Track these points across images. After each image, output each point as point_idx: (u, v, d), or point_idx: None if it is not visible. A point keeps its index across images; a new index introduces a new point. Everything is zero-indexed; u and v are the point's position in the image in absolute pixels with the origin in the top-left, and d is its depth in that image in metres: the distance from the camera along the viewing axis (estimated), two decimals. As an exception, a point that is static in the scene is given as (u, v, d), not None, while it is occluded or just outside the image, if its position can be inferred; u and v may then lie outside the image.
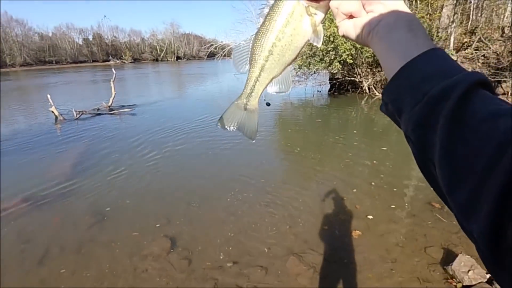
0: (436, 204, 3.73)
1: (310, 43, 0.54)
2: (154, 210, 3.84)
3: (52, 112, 9.25)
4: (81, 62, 74.80)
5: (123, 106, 10.82)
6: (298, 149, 6.19)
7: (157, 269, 2.81)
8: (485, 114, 0.32)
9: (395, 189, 4.21)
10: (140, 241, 3.22)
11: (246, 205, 3.90)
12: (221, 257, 2.94)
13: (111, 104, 10.53)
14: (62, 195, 4.30)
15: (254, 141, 0.63)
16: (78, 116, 9.33)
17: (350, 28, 0.48)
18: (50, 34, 78.14)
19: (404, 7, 0.44)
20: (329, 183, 4.47)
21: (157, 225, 3.49)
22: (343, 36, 0.50)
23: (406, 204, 3.85)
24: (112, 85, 10.81)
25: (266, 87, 0.59)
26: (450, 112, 0.33)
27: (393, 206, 3.79)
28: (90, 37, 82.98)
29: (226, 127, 0.63)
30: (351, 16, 0.48)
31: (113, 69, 12.57)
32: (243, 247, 3.09)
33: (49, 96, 9.38)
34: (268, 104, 0.61)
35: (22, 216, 3.82)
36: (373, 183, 4.41)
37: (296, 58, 0.56)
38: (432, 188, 0.38)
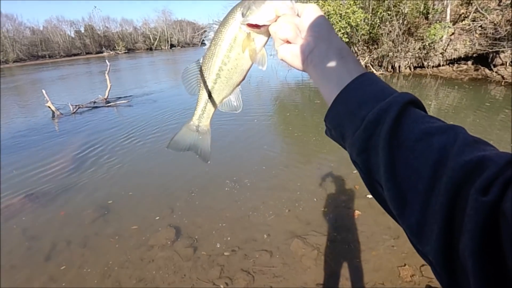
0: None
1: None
2: (156, 201, 3.87)
3: (49, 107, 9.16)
4: (74, 55, 73.51)
5: (119, 98, 10.72)
6: (298, 132, 6.17)
7: (164, 258, 2.86)
8: (419, 133, 0.34)
9: (395, 168, 4.21)
10: (145, 232, 3.26)
11: (248, 191, 3.93)
12: (226, 243, 2.99)
13: (107, 96, 10.43)
14: (64, 190, 4.33)
15: (208, 163, 0.64)
16: (75, 110, 9.28)
17: (287, 53, 0.50)
18: (41, 28, 76.53)
19: (335, 36, 0.48)
20: (329, 165, 4.48)
21: (161, 215, 3.53)
22: (281, 60, 0.52)
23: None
24: (107, 77, 10.68)
25: (217, 108, 0.61)
26: (387, 135, 0.35)
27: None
28: (82, 29, 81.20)
29: (177, 149, 0.64)
30: (288, 42, 0.50)
31: (107, 61, 12.37)
32: (246, 232, 3.13)
33: (44, 91, 9.27)
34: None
35: (26, 213, 3.86)
36: (373, 163, 4.40)
37: (244, 78, 0.59)
38: (386, 212, 0.39)
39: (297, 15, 0.49)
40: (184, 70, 0.61)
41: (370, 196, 3.60)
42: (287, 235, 3.05)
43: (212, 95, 0.59)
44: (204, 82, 0.58)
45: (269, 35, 0.53)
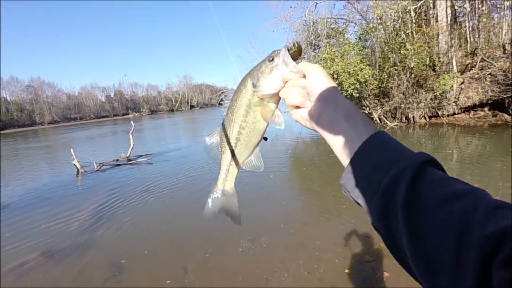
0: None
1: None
2: (169, 260, 3.72)
3: (74, 165, 9.67)
4: (103, 117, 79.78)
5: (140, 156, 11.15)
6: (316, 187, 6.05)
7: (174, 326, 2.63)
8: (438, 199, 0.34)
9: (422, 223, 3.93)
10: (156, 295, 3.07)
11: (264, 251, 3.72)
12: (241, 310, 2.73)
13: (129, 154, 10.89)
14: (80, 246, 4.30)
15: (240, 225, 0.66)
16: (98, 168, 9.67)
17: (299, 117, 0.54)
18: (77, 94, 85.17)
19: (340, 97, 0.49)
20: (350, 221, 4.25)
21: (173, 277, 3.35)
22: (296, 121, 0.55)
23: (437, 239, 3.55)
24: (130, 136, 11.30)
25: (239, 169, 0.64)
26: (405, 203, 0.35)
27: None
28: (112, 94, 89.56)
29: (211, 216, 0.66)
30: (298, 107, 0.53)
31: (131, 122, 13.21)
32: (263, 297, 2.88)
33: (72, 150, 9.88)
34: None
35: (40, 270, 3.80)
36: (397, 218, 4.15)
37: (262, 138, 0.62)
38: (410, 275, 0.38)
39: (304, 76, 0.52)
40: (207, 142, 0.65)
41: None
42: (309, 301, 2.77)
43: (234, 158, 0.61)
44: (225, 147, 0.61)
45: (278, 99, 0.57)
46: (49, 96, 76.66)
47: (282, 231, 4.20)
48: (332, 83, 0.50)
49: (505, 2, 11.42)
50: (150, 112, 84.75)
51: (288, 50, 0.55)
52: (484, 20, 12.04)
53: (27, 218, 5.77)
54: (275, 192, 5.93)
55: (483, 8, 11.81)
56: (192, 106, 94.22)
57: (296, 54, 0.56)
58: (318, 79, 0.50)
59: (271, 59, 0.55)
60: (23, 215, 6.00)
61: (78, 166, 9.61)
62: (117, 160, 10.48)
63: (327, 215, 4.63)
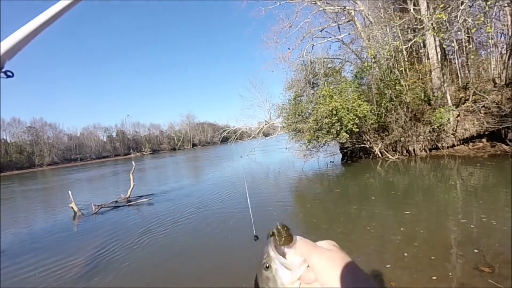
0: (486, 268, 3.24)
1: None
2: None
3: (72, 208, 9.47)
4: (104, 157, 79.71)
5: (140, 197, 10.96)
6: (322, 224, 5.86)
7: None
8: None
9: (432, 258, 3.73)
10: None
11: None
12: None
13: (129, 195, 10.72)
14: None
15: None
16: (96, 210, 9.45)
17: None
18: (78, 135, 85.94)
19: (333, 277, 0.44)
20: (357, 259, 4.05)
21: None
22: None
23: (450, 273, 3.35)
24: (131, 176, 11.22)
25: None
26: None
27: (434, 278, 3.30)
28: (114, 134, 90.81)
29: None
30: None
31: (133, 162, 13.23)
32: None
33: (70, 192, 9.76)
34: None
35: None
36: (406, 254, 3.95)
37: None
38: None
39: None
40: None
41: (412, 296, 3.10)
42: None
43: None
44: None
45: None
46: (50, 137, 75.89)
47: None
48: (341, 271, 0.45)
49: (490, 40, 12.10)
50: (152, 152, 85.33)
51: (278, 236, 0.49)
52: (473, 57, 12.71)
53: (19, 264, 5.51)
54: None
55: (470, 46, 12.50)
56: (194, 145, 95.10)
57: (287, 240, 0.50)
58: (325, 276, 0.45)
59: (267, 266, 0.50)
60: (16, 260, 5.74)
61: (76, 209, 9.43)
62: (116, 202, 10.28)
63: (334, 254, 4.41)
